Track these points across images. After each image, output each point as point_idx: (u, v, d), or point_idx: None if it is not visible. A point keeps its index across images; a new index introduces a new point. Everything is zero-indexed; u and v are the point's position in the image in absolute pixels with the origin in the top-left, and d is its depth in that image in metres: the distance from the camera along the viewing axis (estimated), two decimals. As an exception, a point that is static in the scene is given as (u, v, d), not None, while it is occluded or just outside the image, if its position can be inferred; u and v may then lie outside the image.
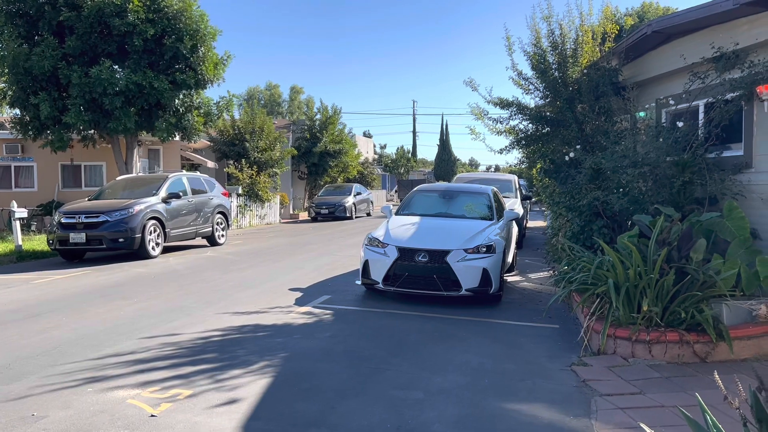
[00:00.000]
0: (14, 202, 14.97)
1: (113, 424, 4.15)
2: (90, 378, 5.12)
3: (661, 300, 5.73)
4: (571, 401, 4.68)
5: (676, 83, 8.34)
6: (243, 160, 25.04)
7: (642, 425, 2.47)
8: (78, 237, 12.23)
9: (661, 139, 7.66)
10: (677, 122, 7.78)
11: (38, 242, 15.04)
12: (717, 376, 2.18)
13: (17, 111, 17.56)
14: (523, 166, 14.85)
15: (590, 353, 5.91)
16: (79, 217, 12.38)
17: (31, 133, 17.38)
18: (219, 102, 19.15)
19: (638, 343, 5.62)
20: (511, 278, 10.27)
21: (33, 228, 18.75)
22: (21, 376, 5.19)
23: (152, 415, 4.30)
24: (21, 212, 14.42)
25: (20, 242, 14.03)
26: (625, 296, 5.81)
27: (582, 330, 6.29)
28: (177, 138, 19.47)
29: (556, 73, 10.04)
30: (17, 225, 14.10)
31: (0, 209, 20.41)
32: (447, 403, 4.62)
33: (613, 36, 10.26)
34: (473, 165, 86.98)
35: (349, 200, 27.84)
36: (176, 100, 17.22)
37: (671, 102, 8.37)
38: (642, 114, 8.88)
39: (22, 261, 13.03)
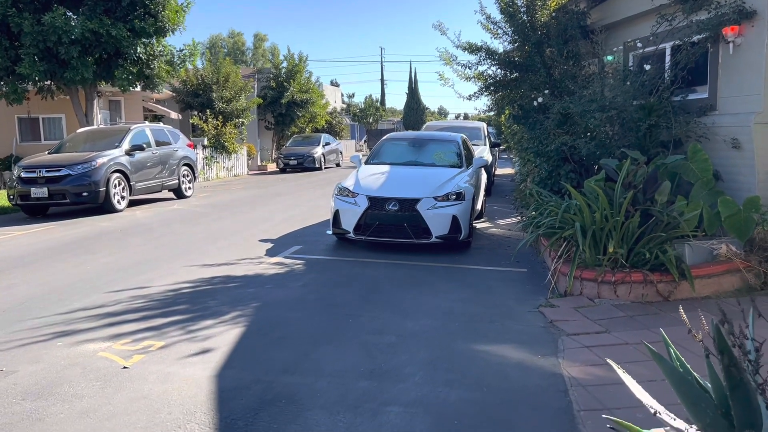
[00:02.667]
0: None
1: (85, 377, 4.13)
2: (59, 332, 5.06)
3: (627, 242, 5.85)
4: (539, 341, 4.80)
5: (644, 26, 8.30)
6: (208, 110, 24.43)
7: (609, 361, 2.55)
8: (40, 192, 11.93)
9: (628, 83, 7.68)
10: (644, 65, 7.79)
11: (-2, 198, 14.63)
12: (682, 310, 2.24)
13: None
14: (491, 114, 14.82)
15: (557, 295, 6.04)
16: (39, 171, 12.04)
17: (-18, 85, 16.66)
18: (182, 50, 18.54)
19: (604, 284, 5.77)
20: (480, 225, 10.37)
21: (-8, 184, 18.22)
22: (-13, 332, 5.11)
23: (124, 367, 4.29)
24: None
25: (-21, 198, 13.64)
26: (591, 239, 5.93)
27: (549, 273, 6.42)
28: (138, 88, 18.87)
29: (525, 17, 9.90)
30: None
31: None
32: (419, 346, 4.70)
33: (582, -22, 10.12)
34: (442, 113, 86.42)
35: (318, 151, 27.54)
36: (137, 48, 16.59)
37: (638, 45, 8.35)
38: (610, 58, 8.86)
39: (-17, 218, 12.69)
